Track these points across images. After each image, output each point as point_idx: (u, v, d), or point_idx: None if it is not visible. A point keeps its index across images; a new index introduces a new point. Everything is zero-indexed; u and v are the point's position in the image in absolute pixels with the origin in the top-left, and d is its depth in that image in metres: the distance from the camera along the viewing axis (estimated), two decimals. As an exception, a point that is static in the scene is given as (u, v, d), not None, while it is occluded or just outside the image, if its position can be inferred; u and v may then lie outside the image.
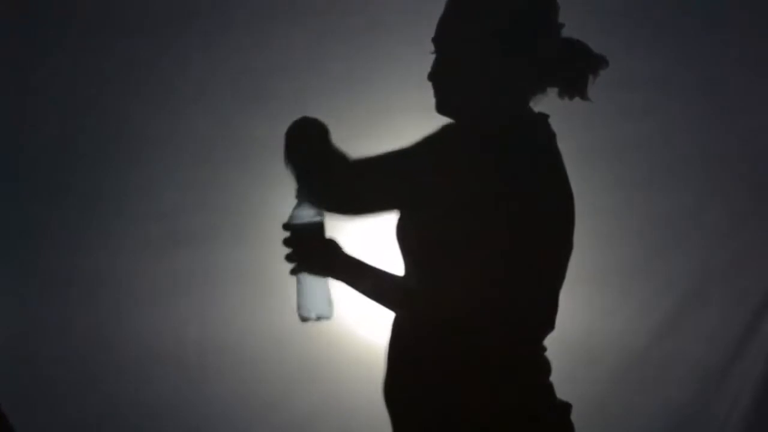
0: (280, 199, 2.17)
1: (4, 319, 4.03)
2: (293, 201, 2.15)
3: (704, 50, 4.08)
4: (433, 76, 2.13)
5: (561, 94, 2.13)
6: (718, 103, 4.10)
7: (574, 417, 2.07)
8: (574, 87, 2.11)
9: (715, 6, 4.07)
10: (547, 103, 2.15)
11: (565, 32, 2.14)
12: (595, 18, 3.76)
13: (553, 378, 2.07)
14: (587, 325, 3.99)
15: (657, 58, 4.05)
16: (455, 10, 2.13)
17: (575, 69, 2.11)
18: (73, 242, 4.04)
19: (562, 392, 2.06)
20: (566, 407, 2.06)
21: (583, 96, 2.12)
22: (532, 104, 2.13)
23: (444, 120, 2.12)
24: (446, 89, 2.13)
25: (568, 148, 2.14)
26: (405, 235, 2.09)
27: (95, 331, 4.03)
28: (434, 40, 2.14)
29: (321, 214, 2.14)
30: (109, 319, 4.04)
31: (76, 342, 4.02)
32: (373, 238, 2.59)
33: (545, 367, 2.05)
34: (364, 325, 3.88)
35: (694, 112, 4.10)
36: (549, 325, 2.08)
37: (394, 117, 3.84)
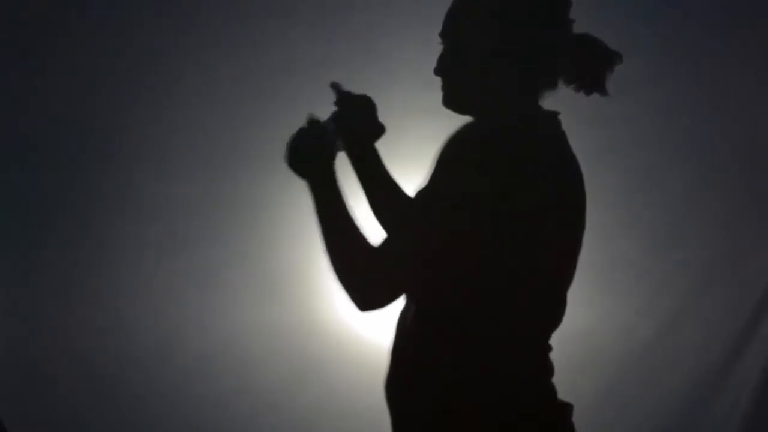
0: (282, 198, 2.17)
1: (4, 318, 4.03)
2: (295, 201, 2.13)
3: (704, 50, 4.08)
4: (440, 71, 2.11)
5: (578, 90, 2.11)
6: (718, 101, 4.10)
7: (574, 416, 2.07)
8: (590, 83, 2.10)
9: (715, 5, 4.08)
10: (549, 103, 2.14)
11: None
12: (595, 18, 3.76)
13: (553, 377, 2.07)
14: (587, 324, 3.99)
15: (657, 58, 4.05)
16: (463, 2, 2.11)
17: (590, 65, 2.09)
18: (73, 242, 4.04)
19: (561, 391, 2.06)
20: (568, 408, 2.06)
21: (602, 91, 2.11)
22: (540, 102, 2.11)
23: (448, 116, 2.11)
24: (453, 83, 2.11)
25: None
26: None
27: (95, 331, 4.03)
28: (441, 34, 2.13)
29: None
30: (109, 319, 4.04)
31: (76, 342, 4.02)
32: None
33: (549, 367, 2.05)
34: (365, 325, 3.88)
35: (694, 111, 4.10)
36: (555, 323, 2.06)
37: (397, 115, 3.84)
